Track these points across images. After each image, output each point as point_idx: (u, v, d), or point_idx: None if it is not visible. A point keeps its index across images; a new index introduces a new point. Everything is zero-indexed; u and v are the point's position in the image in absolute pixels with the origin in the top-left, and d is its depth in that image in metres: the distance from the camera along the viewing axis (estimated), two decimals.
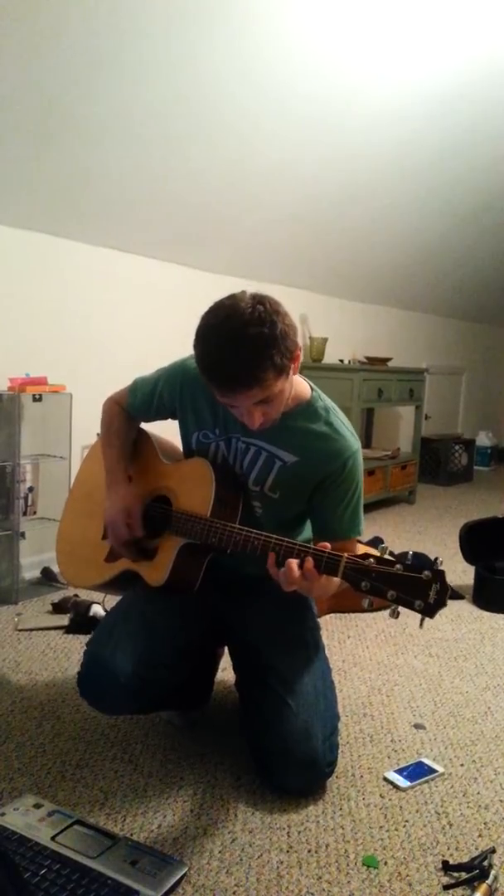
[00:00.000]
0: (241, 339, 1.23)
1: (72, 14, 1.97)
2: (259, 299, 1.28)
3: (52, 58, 2.07)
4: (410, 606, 1.19)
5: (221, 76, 2.44)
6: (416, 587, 1.19)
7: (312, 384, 1.54)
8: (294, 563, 1.27)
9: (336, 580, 1.28)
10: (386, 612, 2.43)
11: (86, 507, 1.75)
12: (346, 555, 1.25)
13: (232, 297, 1.29)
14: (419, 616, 1.20)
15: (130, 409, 1.68)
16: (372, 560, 1.23)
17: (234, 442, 1.52)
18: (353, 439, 1.49)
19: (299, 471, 1.48)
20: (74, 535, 1.76)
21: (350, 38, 2.54)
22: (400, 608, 1.21)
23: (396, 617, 1.21)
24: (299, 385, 1.49)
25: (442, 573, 1.18)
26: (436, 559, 1.21)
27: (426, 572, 1.19)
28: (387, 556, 1.25)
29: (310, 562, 1.27)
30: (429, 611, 1.18)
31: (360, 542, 1.70)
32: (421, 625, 1.23)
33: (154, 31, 2.14)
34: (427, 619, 1.19)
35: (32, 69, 2.08)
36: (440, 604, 1.18)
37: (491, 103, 3.24)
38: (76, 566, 1.72)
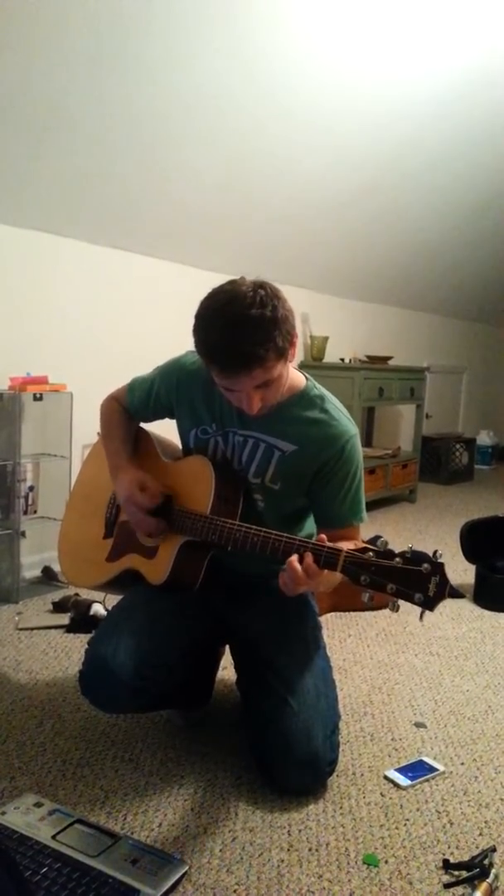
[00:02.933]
0: (245, 321, 1.24)
1: (72, 14, 1.97)
2: (259, 284, 1.29)
3: (52, 58, 2.07)
4: (410, 600, 1.18)
5: (222, 76, 2.44)
6: (415, 580, 1.18)
7: (307, 374, 1.54)
8: (295, 563, 1.25)
9: (338, 574, 1.28)
10: (386, 612, 2.43)
11: (87, 508, 1.75)
12: (344, 549, 1.25)
13: (232, 283, 1.31)
14: (419, 610, 1.20)
15: (129, 409, 1.68)
16: (371, 554, 1.22)
17: (231, 436, 1.52)
18: (349, 424, 1.49)
19: (298, 459, 1.48)
20: (76, 535, 1.76)
21: (351, 39, 2.54)
22: (400, 601, 1.20)
23: (396, 610, 1.20)
24: (294, 375, 1.49)
25: (441, 566, 1.17)
26: (435, 552, 1.20)
27: (425, 565, 1.18)
28: (386, 550, 1.24)
29: (309, 557, 1.26)
30: (429, 604, 1.18)
31: None
32: (421, 618, 1.22)
33: (154, 30, 2.14)
34: (427, 612, 1.19)
35: (32, 69, 2.08)
36: (440, 596, 1.17)
37: (491, 104, 3.25)
38: (78, 566, 1.72)
